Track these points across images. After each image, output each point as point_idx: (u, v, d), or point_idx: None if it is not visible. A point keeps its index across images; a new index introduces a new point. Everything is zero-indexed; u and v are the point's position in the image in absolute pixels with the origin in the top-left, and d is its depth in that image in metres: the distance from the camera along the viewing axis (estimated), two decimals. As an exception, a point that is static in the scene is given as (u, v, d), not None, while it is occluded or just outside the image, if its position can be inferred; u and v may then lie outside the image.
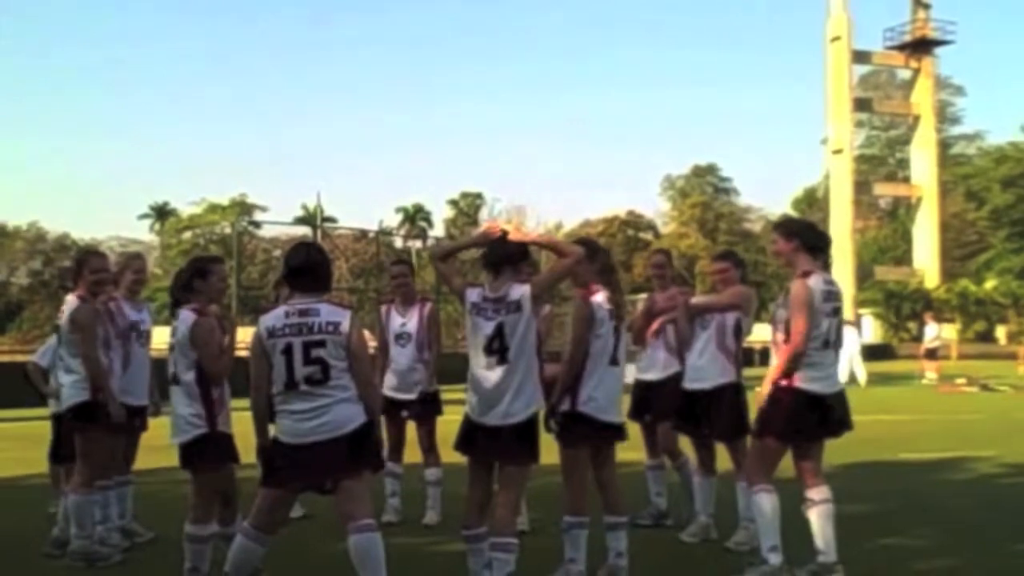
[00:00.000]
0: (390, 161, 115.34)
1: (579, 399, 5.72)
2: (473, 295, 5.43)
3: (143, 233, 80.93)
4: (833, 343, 5.90)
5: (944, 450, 12.28)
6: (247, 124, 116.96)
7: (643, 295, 8.01)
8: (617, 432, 5.87)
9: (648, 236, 78.35)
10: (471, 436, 5.41)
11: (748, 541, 6.57)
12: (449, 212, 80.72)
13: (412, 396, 7.75)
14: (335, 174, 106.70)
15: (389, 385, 7.78)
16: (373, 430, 5.05)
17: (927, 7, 62.74)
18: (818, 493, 5.87)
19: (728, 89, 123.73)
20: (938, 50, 63.77)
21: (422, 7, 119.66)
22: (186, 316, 5.84)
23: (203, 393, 5.79)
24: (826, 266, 6.01)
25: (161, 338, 8.16)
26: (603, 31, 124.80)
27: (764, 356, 7.93)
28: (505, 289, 5.33)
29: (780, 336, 5.87)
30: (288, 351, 4.93)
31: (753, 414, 6.22)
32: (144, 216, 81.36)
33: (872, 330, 59.07)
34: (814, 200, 76.75)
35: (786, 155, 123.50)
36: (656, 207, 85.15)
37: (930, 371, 28.53)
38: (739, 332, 6.93)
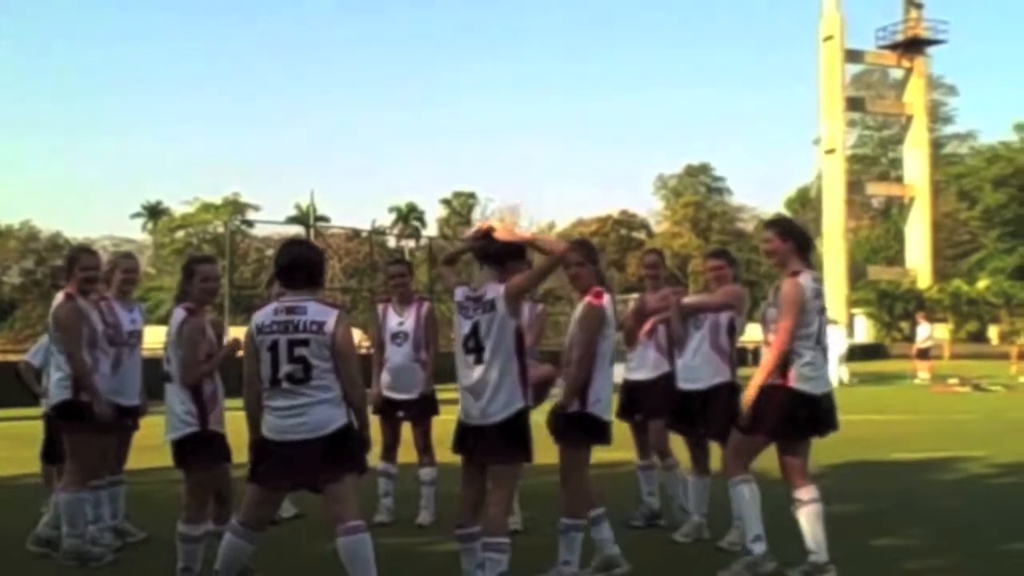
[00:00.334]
0: (383, 160, 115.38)
1: (588, 400, 5.75)
2: (459, 294, 5.46)
3: (136, 232, 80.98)
4: (823, 342, 5.93)
5: (936, 450, 12.30)
6: (240, 123, 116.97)
7: (635, 295, 8.01)
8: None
9: (641, 235, 78.40)
10: (462, 436, 5.43)
11: (741, 541, 6.57)
12: (442, 211, 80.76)
13: (410, 396, 7.73)
14: (328, 173, 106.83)
15: (385, 384, 7.78)
16: (356, 432, 5.02)
17: (919, 7, 62.85)
18: (806, 493, 5.88)
19: (721, 89, 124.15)
20: (930, 50, 63.93)
21: (417, 7, 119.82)
22: (177, 314, 5.87)
23: (193, 391, 5.81)
24: (810, 266, 6.07)
25: (154, 338, 8.16)
26: (596, 31, 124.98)
27: (757, 356, 7.93)
28: (483, 288, 5.34)
29: (772, 336, 5.89)
30: (274, 348, 4.94)
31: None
32: (137, 215, 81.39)
33: (865, 330, 59.18)
34: (807, 200, 76.86)
35: (779, 155, 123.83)
36: (649, 206, 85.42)
37: (922, 371, 28.60)
38: (733, 332, 6.94)
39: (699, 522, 7.11)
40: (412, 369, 7.72)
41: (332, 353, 4.92)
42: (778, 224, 6.29)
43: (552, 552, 5.85)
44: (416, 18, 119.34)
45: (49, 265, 69.20)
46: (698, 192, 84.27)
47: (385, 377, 7.78)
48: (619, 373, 6.48)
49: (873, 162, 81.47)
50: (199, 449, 5.79)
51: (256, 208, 74.17)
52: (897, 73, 67.25)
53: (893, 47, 63.48)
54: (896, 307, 59.67)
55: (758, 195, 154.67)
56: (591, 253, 6.07)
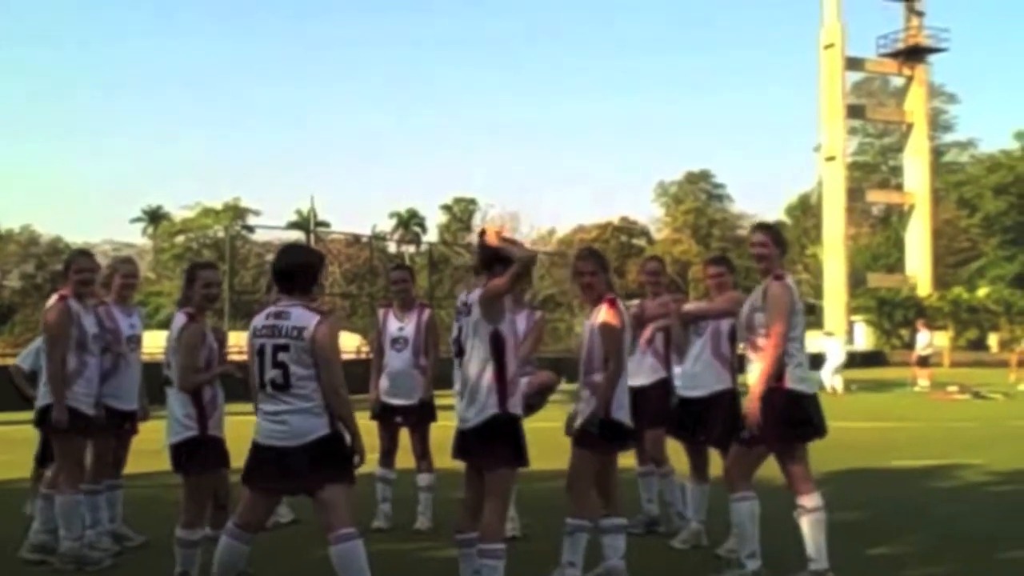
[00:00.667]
0: (384, 166, 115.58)
1: (612, 407, 5.82)
2: (459, 299, 5.55)
3: (136, 237, 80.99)
4: (805, 343, 6.03)
5: (936, 457, 12.28)
6: (241, 129, 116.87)
7: (635, 301, 8.01)
8: None
9: (641, 242, 78.36)
10: (459, 440, 5.43)
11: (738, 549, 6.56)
12: (443, 218, 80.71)
13: (409, 402, 7.72)
14: (329, 179, 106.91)
15: (384, 390, 7.77)
16: (340, 441, 4.98)
17: (920, 15, 62.87)
18: (810, 500, 5.88)
19: (721, 96, 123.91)
20: (931, 58, 63.91)
21: (417, 11, 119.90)
22: (178, 319, 5.88)
23: (194, 395, 5.81)
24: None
25: (154, 342, 8.15)
26: (597, 38, 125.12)
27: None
28: (472, 293, 5.39)
29: (761, 341, 5.90)
30: (261, 352, 4.98)
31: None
32: (137, 220, 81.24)
33: (864, 337, 59.10)
34: (808, 206, 76.86)
35: (779, 162, 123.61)
36: (649, 213, 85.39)
37: (922, 378, 28.54)
38: (734, 338, 6.93)
39: (697, 529, 7.10)
40: (411, 375, 7.71)
41: (313, 360, 4.91)
42: (771, 229, 6.37)
43: (551, 558, 5.83)
44: (418, 24, 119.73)
45: (49, 270, 69.32)
46: (698, 199, 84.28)
47: (384, 382, 7.77)
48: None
49: (873, 169, 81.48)
50: (196, 453, 5.79)
51: (257, 213, 74.22)
52: (898, 81, 67.27)
53: (894, 55, 63.49)
54: (896, 314, 59.60)
55: (758, 202, 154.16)
56: (602, 262, 6.10)
